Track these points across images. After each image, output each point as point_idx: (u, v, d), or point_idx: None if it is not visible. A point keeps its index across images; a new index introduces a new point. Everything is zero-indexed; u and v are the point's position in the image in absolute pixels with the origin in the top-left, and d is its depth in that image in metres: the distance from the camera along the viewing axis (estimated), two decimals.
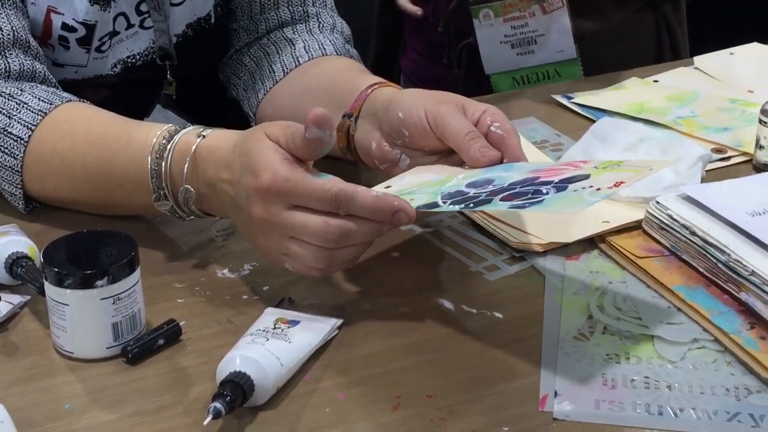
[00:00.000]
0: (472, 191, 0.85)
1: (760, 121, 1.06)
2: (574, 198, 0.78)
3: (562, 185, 0.81)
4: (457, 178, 0.88)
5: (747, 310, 0.84)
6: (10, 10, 1.00)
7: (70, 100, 0.99)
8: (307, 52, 1.11)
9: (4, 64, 0.99)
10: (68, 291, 0.78)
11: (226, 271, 0.92)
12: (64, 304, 0.79)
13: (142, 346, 0.81)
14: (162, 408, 0.76)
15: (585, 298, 0.88)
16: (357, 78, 1.04)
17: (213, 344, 0.82)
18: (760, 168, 1.07)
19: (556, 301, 0.87)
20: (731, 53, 1.35)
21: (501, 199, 0.81)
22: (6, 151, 0.97)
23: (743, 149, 1.11)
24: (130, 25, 1.10)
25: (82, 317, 0.79)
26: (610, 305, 0.87)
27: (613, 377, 0.78)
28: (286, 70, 1.11)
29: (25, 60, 1.00)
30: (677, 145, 1.07)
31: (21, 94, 0.98)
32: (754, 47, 1.37)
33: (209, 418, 0.70)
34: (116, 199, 0.95)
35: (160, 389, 0.78)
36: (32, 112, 0.97)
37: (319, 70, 1.09)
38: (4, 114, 0.97)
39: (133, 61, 1.12)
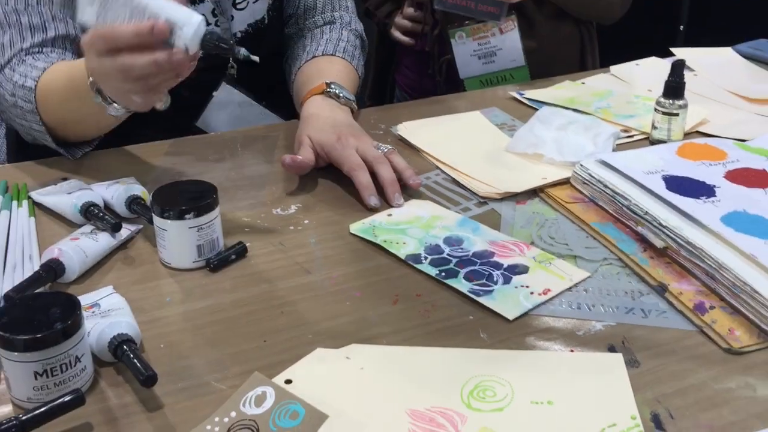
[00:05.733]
0: (447, 250, 0.82)
1: (655, 109, 1.05)
2: (514, 299, 0.74)
3: (508, 275, 0.78)
4: (438, 227, 0.86)
5: (642, 239, 0.84)
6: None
7: (62, 59, 0.98)
8: (316, 50, 1.14)
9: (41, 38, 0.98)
10: (168, 221, 0.79)
11: (279, 209, 0.92)
12: (164, 230, 0.80)
13: (220, 260, 0.81)
14: (234, 301, 0.76)
15: (529, 230, 0.88)
16: (312, 83, 1.07)
17: (269, 259, 0.83)
18: (654, 142, 1.06)
19: (509, 232, 0.87)
20: (636, 64, 1.34)
21: (464, 277, 0.78)
22: (27, 98, 0.95)
23: (643, 130, 1.11)
24: (207, 24, 1.09)
25: (176, 240, 0.80)
26: (546, 235, 0.87)
27: None
28: (306, 58, 1.14)
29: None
30: (596, 125, 1.06)
31: (36, 62, 0.97)
32: (653, 60, 1.36)
33: None
34: (81, 108, 0.92)
35: (232, 289, 0.78)
36: (38, 69, 0.96)
37: (314, 66, 1.12)
38: (20, 74, 0.96)
39: None
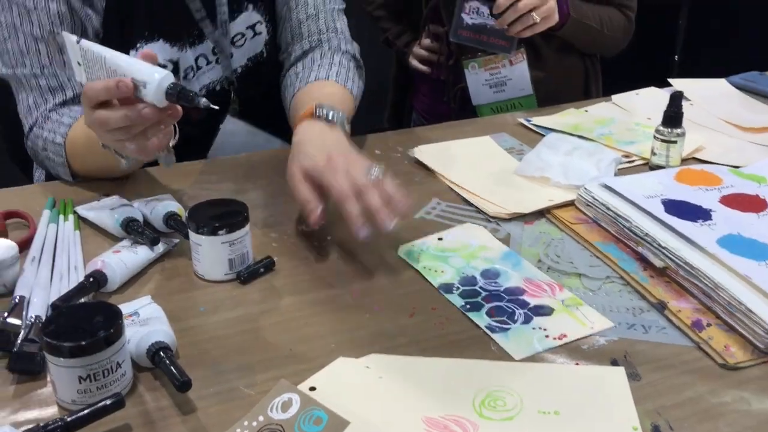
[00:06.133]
0: (480, 283, 0.79)
1: (654, 137, 1.05)
2: (527, 340, 0.71)
3: (530, 314, 0.74)
4: (481, 258, 0.83)
5: (642, 259, 0.84)
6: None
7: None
8: (309, 76, 1.07)
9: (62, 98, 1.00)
10: (202, 236, 0.79)
11: (303, 226, 0.92)
12: (199, 244, 0.80)
13: (250, 272, 0.81)
14: (262, 312, 0.76)
15: (536, 249, 0.87)
16: (303, 109, 0.96)
17: (295, 272, 0.83)
18: (653, 168, 1.05)
19: (518, 250, 0.87)
20: (637, 93, 1.33)
21: (486, 312, 0.75)
22: (58, 153, 0.98)
23: (642, 155, 1.10)
24: (209, 62, 1.10)
25: (210, 254, 0.80)
26: (552, 254, 0.87)
27: None
28: (300, 85, 1.07)
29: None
30: (599, 151, 1.06)
31: (61, 117, 0.99)
32: (652, 89, 1.36)
33: None
34: (99, 161, 0.94)
35: (261, 300, 0.78)
36: (65, 126, 0.98)
37: (306, 92, 1.04)
38: (49, 130, 0.98)
39: (213, 85, 1.12)
